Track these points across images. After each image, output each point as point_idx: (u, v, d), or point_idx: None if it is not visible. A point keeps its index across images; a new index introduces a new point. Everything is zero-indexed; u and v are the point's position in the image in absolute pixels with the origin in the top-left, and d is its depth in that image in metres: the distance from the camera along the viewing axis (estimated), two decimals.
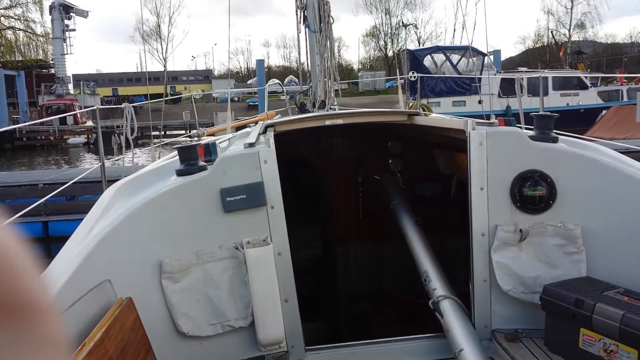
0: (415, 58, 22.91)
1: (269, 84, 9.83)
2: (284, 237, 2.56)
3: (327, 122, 3.32)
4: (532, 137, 2.68)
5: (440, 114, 4.69)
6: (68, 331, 1.75)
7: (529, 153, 2.61)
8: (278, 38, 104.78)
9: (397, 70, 12.05)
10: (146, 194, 2.50)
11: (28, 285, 0.38)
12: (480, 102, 13.17)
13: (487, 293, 2.65)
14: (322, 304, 4.30)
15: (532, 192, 2.59)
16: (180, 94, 49.68)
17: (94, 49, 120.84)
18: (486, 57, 18.90)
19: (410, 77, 9.72)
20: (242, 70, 79.83)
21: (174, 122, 31.44)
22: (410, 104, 13.12)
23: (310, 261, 4.34)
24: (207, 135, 5.39)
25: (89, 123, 32.63)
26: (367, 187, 4.44)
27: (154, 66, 74.79)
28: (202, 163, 2.58)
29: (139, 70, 79.41)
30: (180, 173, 2.55)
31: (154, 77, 72.84)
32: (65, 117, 30.78)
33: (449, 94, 22.89)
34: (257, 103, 32.68)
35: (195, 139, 4.85)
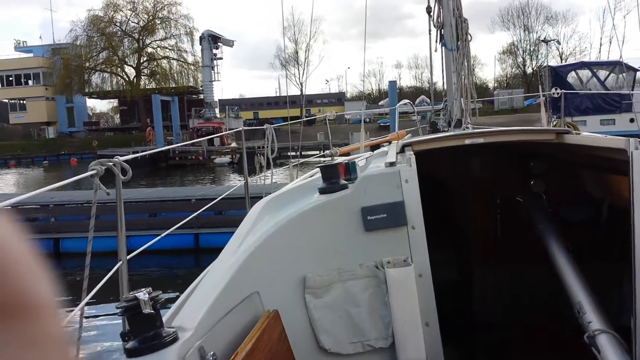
0: (557, 75, 21.61)
1: (400, 104, 9.90)
2: (425, 259, 2.52)
3: (467, 141, 3.22)
4: None
5: (591, 133, 4.39)
6: (221, 339, 1.82)
7: None
8: (410, 59, 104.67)
9: (540, 87, 11.49)
10: (291, 210, 2.56)
11: (27, 283, 0.38)
12: (632, 120, 12.08)
13: None
14: (457, 330, 4.19)
15: None
16: (315, 116, 51.52)
17: (237, 76, 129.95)
18: (638, 73, 17.30)
19: (554, 93, 9.23)
20: (374, 92, 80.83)
21: (308, 143, 32.70)
22: (554, 122, 12.41)
23: (445, 284, 4.25)
24: (339, 155, 5.56)
25: (233, 144, 35.01)
26: (505, 208, 4.27)
27: (292, 90, 78.50)
28: (343, 181, 2.61)
29: (278, 94, 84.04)
30: (322, 191, 2.60)
31: (291, 101, 76.55)
32: (212, 138, 33.42)
33: (595, 111, 21.20)
34: (388, 123, 32.86)
35: (329, 158, 5.03)
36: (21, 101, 59.50)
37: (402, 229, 2.50)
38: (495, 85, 65.50)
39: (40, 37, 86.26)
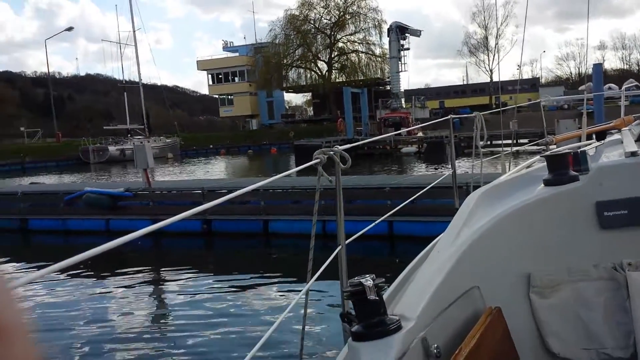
0: None
1: (626, 84, 8.97)
2: None
3: None
4: None
5: None
6: (443, 333, 1.78)
7: None
8: (615, 39, 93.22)
9: None
10: (512, 202, 2.40)
11: None
12: None
13: None
14: None
15: None
16: (506, 104, 48.85)
17: (422, 65, 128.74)
18: None
19: None
20: (573, 76, 73.93)
21: (497, 132, 31.20)
22: None
23: None
24: (555, 143, 5.28)
25: (420, 134, 34.98)
26: None
27: (480, 78, 75.47)
28: (573, 173, 2.40)
29: (465, 82, 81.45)
30: (548, 183, 2.41)
31: (479, 89, 73.76)
32: (400, 129, 33.80)
33: None
34: (590, 110, 29.85)
35: (543, 147, 4.80)
36: (229, 96, 66.47)
37: None
38: None
39: (244, 38, 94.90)
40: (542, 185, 2.45)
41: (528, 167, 3.36)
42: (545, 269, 2.29)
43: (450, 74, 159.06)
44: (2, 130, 54.93)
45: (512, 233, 2.31)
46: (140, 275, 9.30)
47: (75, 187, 15.40)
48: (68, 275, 8.85)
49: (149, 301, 8.14)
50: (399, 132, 27.95)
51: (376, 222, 4.24)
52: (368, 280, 1.51)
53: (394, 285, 2.22)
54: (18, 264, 10.74)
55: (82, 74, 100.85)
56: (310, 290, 2.59)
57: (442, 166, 24.36)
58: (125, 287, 8.62)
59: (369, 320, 1.52)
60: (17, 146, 50.19)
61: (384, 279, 1.54)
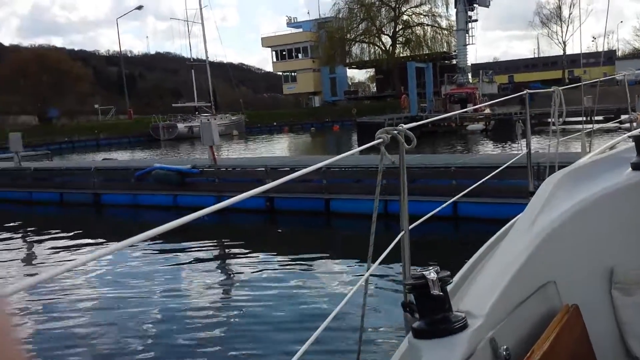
0: None
1: None
2: None
3: None
4: None
5: None
6: (514, 333, 1.64)
7: None
8: None
9: None
10: (595, 188, 2.22)
11: None
12: None
13: None
14: None
15: None
16: (580, 78, 46.34)
17: (490, 37, 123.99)
18: None
19: None
20: None
21: (569, 108, 29.67)
22: None
23: None
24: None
25: (487, 110, 33.82)
26: None
27: (552, 50, 71.91)
28: None
29: (536, 55, 77.83)
30: (637, 166, 2.26)
31: (551, 62, 70.33)
32: (465, 104, 32.84)
33: None
34: None
35: (627, 125, 4.45)
36: (292, 73, 66.72)
37: None
38: None
39: (308, 13, 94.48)
40: (630, 169, 2.27)
41: (612, 147, 3.11)
42: (630, 263, 2.10)
43: (520, 47, 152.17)
44: (78, 108, 57.73)
45: (595, 222, 2.12)
46: (206, 250, 9.56)
47: (145, 163, 15.95)
48: (139, 249, 9.21)
49: (213, 276, 8.35)
50: (465, 109, 27.05)
51: (444, 205, 4.04)
52: (431, 274, 1.39)
53: (459, 275, 2.08)
54: (92, 238, 11.29)
55: (152, 52, 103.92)
56: (371, 275, 2.48)
57: (510, 145, 23.48)
58: (192, 261, 8.89)
59: (431, 316, 1.41)
60: (92, 123, 52.66)
61: (448, 272, 1.43)
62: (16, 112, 54.69)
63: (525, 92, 4.77)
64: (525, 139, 5.51)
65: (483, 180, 4.48)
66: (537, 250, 1.96)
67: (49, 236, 11.39)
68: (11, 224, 12.84)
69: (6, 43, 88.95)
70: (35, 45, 68.41)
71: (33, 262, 10.07)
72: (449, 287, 1.63)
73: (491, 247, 2.38)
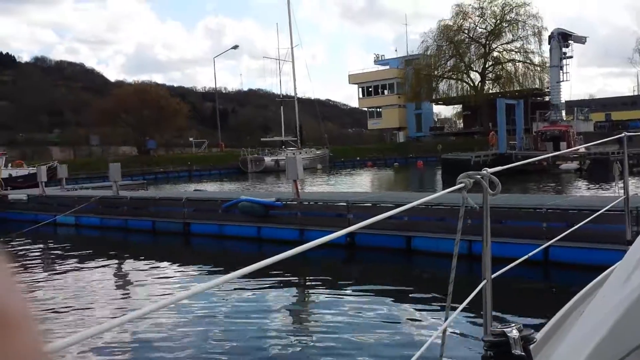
0: None
1: None
2: None
3: None
4: None
5: None
6: None
7: None
8: None
9: None
10: None
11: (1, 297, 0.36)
12: None
13: None
14: None
15: None
16: None
17: (585, 74, 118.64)
18: None
19: None
20: None
21: None
22: None
23: None
24: None
25: (582, 149, 32.10)
26: None
27: None
28: None
29: (635, 93, 73.24)
30: None
31: None
32: (558, 143, 31.38)
33: None
34: None
35: None
36: (377, 109, 67.18)
37: None
38: None
39: (395, 50, 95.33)
40: None
41: None
42: None
43: (617, 84, 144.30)
44: (175, 140, 61.16)
45: None
46: (285, 279, 9.62)
47: (233, 195, 16.50)
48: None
49: (290, 306, 8.39)
50: (560, 152, 25.75)
51: (536, 250, 3.86)
52: (513, 331, 1.31)
53: (546, 329, 1.93)
54: (181, 265, 11.75)
55: (245, 88, 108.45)
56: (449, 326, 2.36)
57: (606, 186, 22.05)
58: (270, 298, 8.93)
59: None
60: (186, 155, 55.51)
61: (532, 330, 1.33)
62: (117, 143, 58.92)
63: (623, 134, 4.51)
64: (622, 181, 5.17)
65: (580, 225, 4.24)
66: (633, 309, 1.78)
67: (143, 263, 11.99)
68: (110, 252, 13.64)
69: (112, 79, 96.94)
70: (138, 81, 73.48)
71: (126, 291, 10.61)
72: (532, 346, 1.55)
73: (582, 299, 2.23)
